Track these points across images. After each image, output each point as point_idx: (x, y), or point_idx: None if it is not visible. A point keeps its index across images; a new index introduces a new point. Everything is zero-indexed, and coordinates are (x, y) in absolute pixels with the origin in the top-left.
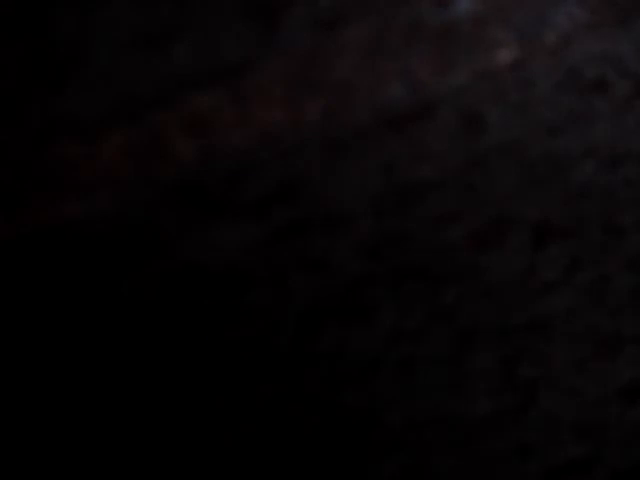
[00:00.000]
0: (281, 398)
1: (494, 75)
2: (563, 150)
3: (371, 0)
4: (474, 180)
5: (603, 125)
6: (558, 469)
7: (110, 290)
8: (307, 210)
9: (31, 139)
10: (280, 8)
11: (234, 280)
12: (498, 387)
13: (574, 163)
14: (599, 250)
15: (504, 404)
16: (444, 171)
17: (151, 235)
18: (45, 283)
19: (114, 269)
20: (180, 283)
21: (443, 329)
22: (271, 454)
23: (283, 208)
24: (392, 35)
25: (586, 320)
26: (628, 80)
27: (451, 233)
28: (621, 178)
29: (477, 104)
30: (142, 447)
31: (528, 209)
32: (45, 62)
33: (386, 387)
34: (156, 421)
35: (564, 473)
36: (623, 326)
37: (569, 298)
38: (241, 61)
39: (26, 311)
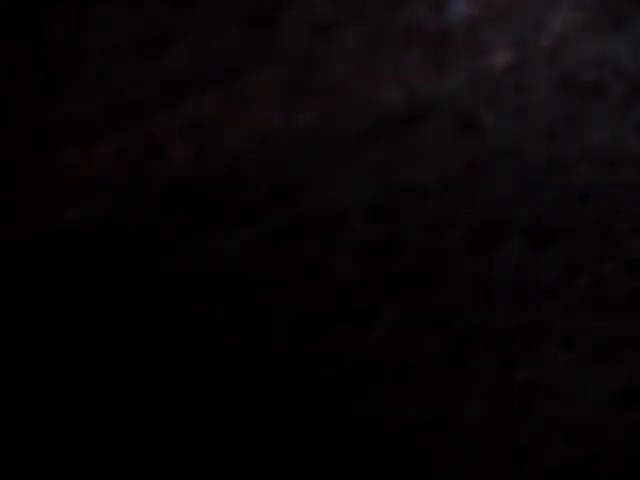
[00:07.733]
0: (280, 401)
1: (490, 78)
2: (560, 153)
3: (367, 4)
4: (471, 183)
5: (600, 127)
6: (555, 472)
7: (107, 293)
8: (304, 214)
9: (29, 143)
10: (276, 12)
11: (231, 284)
12: (495, 390)
13: (571, 166)
14: (596, 253)
15: (501, 407)
16: (440, 174)
17: (148, 238)
18: (43, 284)
19: (110, 272)
20: (177, 287)
21: (441, 332)
22: (270, 455)
23: (280, 212)
24: (388, 39)
25: (583, 323)
26: (625, 82)
27: (448, 236)
28: (619, 180)
29: (473, 107)
30: (139, 447)
31: (525, 212)
32: (40, 67)
33: (384, 390)
34: (154, 421)
35: (561, 476)
36: (620, 330)
37: (566, 301)
38: (238, 65)
39: (23, 311)
